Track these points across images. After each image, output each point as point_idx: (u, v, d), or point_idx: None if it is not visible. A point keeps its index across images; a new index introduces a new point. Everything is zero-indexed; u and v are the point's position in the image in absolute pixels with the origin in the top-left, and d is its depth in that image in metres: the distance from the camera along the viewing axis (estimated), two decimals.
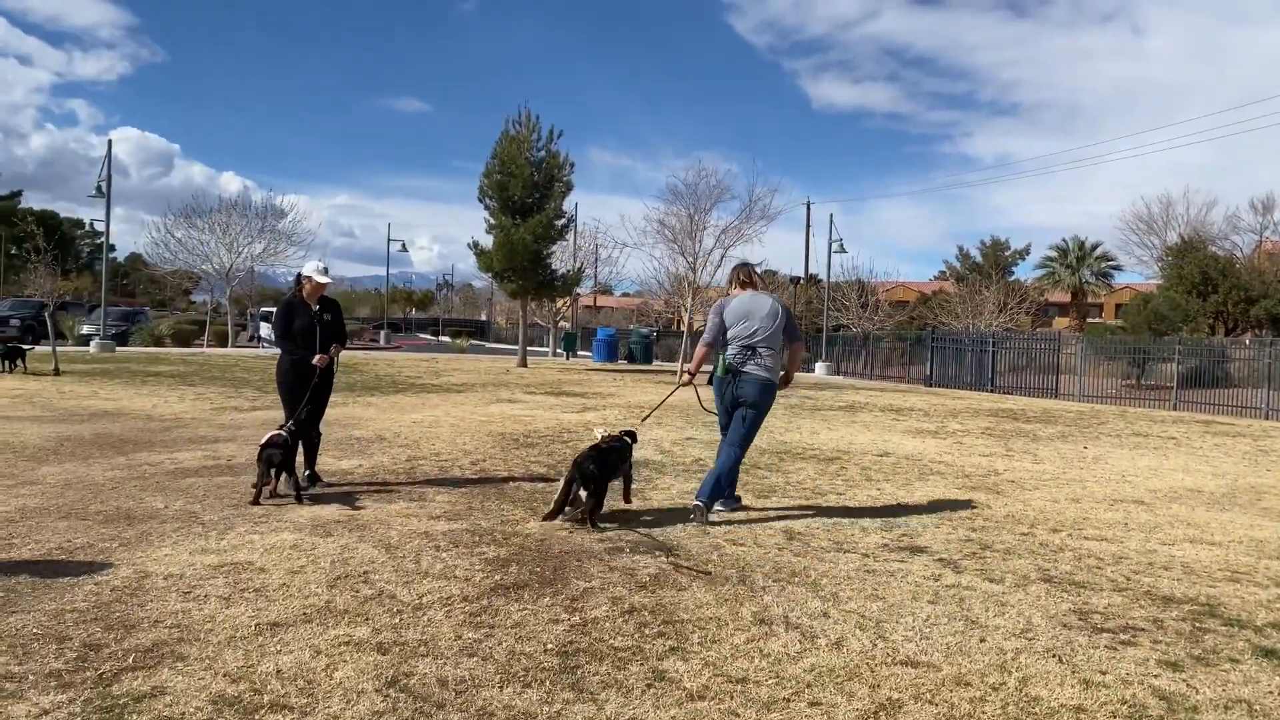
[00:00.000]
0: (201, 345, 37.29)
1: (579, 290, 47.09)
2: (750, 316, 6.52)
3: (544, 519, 6.22)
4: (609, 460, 6.27)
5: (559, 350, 40.21)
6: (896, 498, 7.52)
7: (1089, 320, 61.74)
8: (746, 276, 6.82)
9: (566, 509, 6.20)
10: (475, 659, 3.69)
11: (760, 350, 6.46)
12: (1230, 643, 4.15)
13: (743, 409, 6.51)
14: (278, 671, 3.50)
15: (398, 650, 3.76)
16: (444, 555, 5.23)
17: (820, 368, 33.40)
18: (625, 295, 74.01)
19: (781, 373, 6.72)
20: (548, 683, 3.47)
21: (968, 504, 7.33)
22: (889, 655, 3.87)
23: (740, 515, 6.56)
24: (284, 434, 6.72)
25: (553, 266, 26.96)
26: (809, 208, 47.58)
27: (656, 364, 34.64)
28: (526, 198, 25.09)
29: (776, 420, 13.57)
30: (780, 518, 6.54)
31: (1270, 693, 3.58)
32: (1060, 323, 64.20)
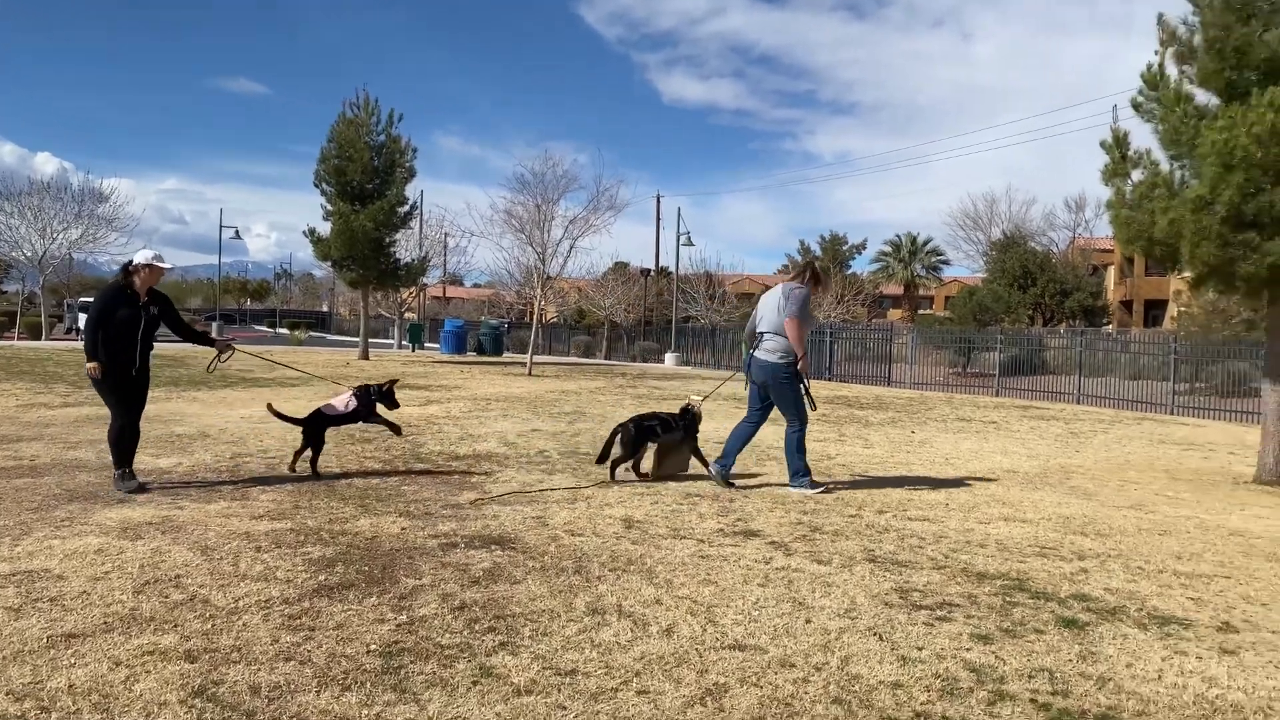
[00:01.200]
0: (12, 338, 34.56)
1: (427, 281, 46.20)
2: (761, 308, 7.43)
3: (596, 461, 7.78)
4: (643, 427, 7.58)
5: (405, 342, 39.28)
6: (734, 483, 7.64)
7: (920, 311, 64.96)
8: (794, 269, 7.80)
9: (633, 467, 7.64)
10: (292, 663, 3.51)
11: (764, 336, 7.29)
12: (1036, 615, 4.38)
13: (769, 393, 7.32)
14: (70, 686, 3.23)
15: (208, 658, 3.54)
16: (265, 556, 4.98)
17: (670, 359, 33.85)
18: (476, 286, 73.01)
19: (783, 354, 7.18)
20: (369, 684, 3.34)
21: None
22: (718, 639, 3.90)
23: (583, 506, 6.53)
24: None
25: (396, 255, 26.29)
26: (659, 201, 48.01)
27: (508, 356, 34.30)
28: (366, 183, 24.35)
29: (623, 410, 13.64)
30: (621, 507, 6.54)
31: (1070, 660, 3.79)
32: (894, 314, 67.26)
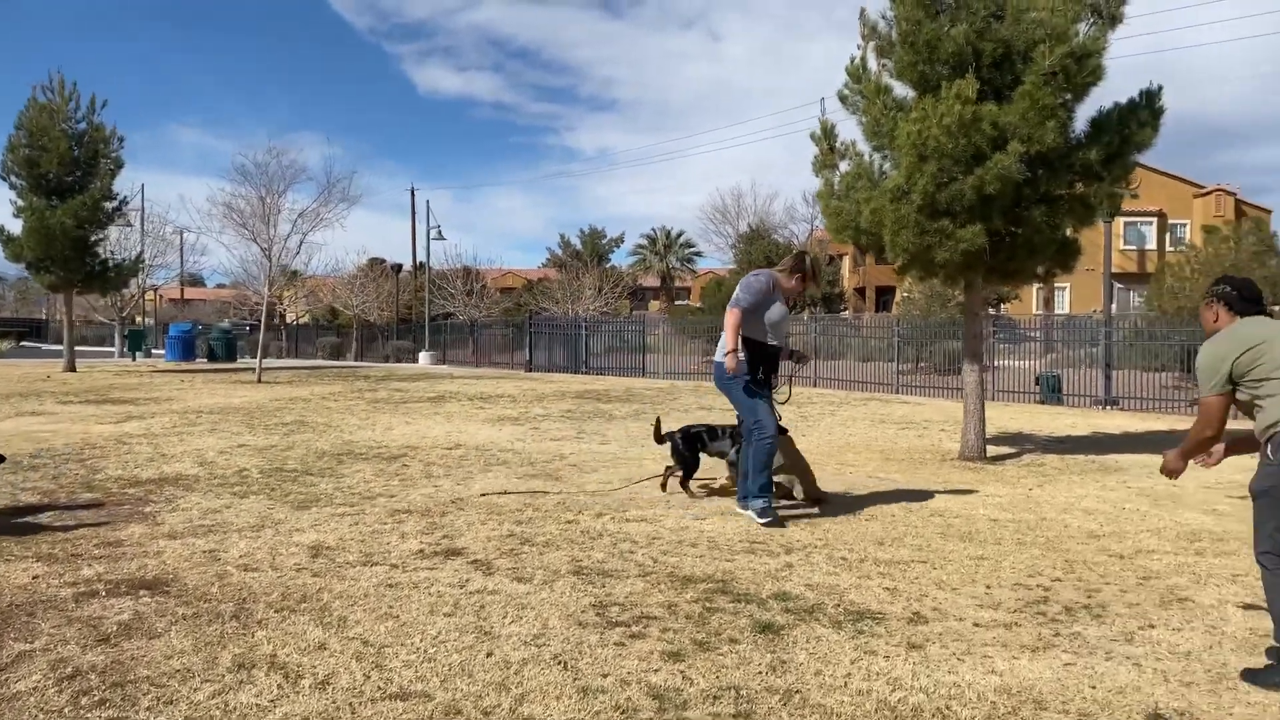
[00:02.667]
0: None
1: (156, 282, 42.38)
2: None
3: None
4: (689, 435, 7.34)
5: (127, 350, 35.81)
6: (453, 494, 7.15)
7: (677, 302, 66.74)
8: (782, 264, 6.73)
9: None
10: None
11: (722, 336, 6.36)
12: (734, 621, 4.18)
13: None
14: None
15: None
16: None
17: (424, 357, 32.75)
18: (221, 286, 68.22)
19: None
20: None
21: (523, 494, 7.15)
22: (380, 689, 3.41)
23: (269, 534, 5.83)
24: None
25: (106, 254, 23.77)
26: (413, 194, 46.70)
27: (243, 361, 31.95)
28: (65, 176, 21.80)
29: (352, 418, 12.81)
30: (314, 531, 5.89)
31: (760, 672, 3.58)
32: (654, 305, 68.78)
